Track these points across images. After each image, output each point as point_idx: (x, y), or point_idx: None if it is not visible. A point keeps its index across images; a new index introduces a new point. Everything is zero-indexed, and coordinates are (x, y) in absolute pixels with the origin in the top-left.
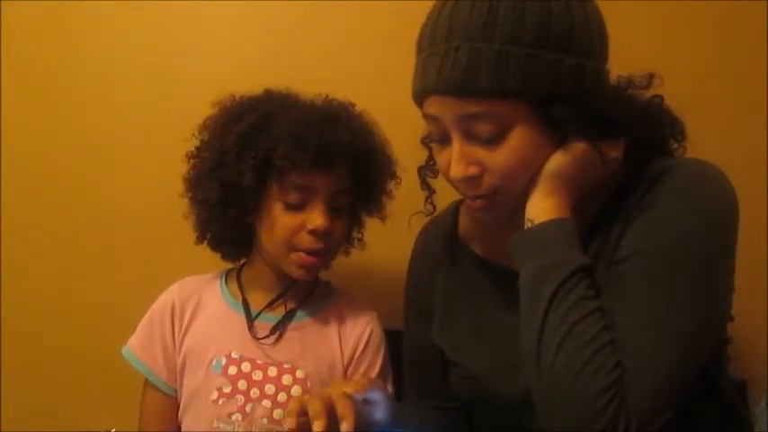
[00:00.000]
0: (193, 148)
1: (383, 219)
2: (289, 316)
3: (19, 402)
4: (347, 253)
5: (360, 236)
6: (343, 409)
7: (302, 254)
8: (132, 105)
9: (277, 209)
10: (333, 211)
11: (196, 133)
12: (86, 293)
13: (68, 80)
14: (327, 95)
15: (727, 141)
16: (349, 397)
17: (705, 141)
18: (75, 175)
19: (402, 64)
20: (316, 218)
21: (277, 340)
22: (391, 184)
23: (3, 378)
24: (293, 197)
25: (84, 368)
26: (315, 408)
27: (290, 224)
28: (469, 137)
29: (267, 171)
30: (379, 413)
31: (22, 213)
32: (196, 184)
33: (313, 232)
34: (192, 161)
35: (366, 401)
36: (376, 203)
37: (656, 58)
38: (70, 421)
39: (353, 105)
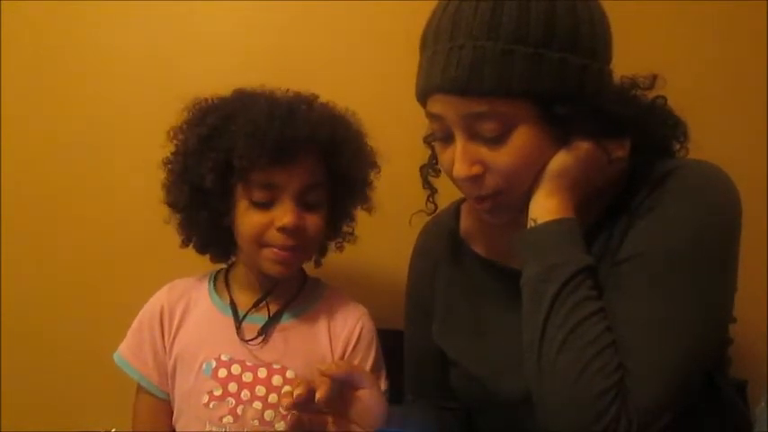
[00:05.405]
0: (169, 154)
1: (369, 211)
2: (276, 316)
3: (19, 402)
4: (340, 248)
5: (350, 229)
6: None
7: (275, 249)
8: (132, 105)
9: (244, 207)
10: (304, 206)
11: (170, 139)
12: (87, 293)
13: (68, 80)
14: (289, 89)
15: (727, 141)
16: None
17: (705, 141)
18: (76, 174)
19: (402, 64)
20: (283, 215)
21: (266, 341)
22: (372, 175)
23: (3, 378)
24: (258, 195)
25: (84, 368)
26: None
27: (258, 222)
28: (473, 136)
29: (230, 172)
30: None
31: (21, 213)
32: (169, 190)
33: (282, 230)
34: (167, 167)
35: (350, 383)
36: (360, 195)
37: (656, 58)
38: (70, 421)
39: (317, 97)
